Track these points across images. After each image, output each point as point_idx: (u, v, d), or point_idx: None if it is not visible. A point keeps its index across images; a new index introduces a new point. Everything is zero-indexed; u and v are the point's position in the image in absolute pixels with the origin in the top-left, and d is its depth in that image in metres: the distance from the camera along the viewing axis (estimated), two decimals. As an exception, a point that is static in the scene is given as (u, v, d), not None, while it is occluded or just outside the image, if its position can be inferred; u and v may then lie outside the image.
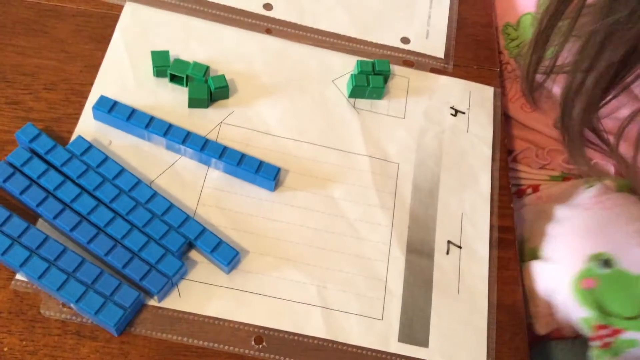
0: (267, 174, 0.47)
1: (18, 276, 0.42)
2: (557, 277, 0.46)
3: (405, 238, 0.48)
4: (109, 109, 0.48)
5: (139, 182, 0.46)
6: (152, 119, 0.48)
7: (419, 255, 0.48)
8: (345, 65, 0.55)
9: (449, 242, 0.49)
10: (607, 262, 0.43)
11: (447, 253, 0.48)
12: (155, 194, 0.45)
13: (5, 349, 0.40)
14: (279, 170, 0.48)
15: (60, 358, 0.40)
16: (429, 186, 0.51)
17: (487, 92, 0.57)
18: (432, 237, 0.49)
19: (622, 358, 0.43)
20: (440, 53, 0.58)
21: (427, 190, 0.51)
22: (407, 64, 0.57)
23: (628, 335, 0.43)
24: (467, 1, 0.62)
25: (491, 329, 0.46)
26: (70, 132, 0.48)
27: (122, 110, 0.48)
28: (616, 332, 0.43)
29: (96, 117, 0.49)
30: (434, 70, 0.57)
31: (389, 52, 0.57)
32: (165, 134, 0.48)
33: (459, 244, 0.49)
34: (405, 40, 0.58)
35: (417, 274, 0.47)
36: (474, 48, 0.59)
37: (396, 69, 0.56)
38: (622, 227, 0.44)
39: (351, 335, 0.44)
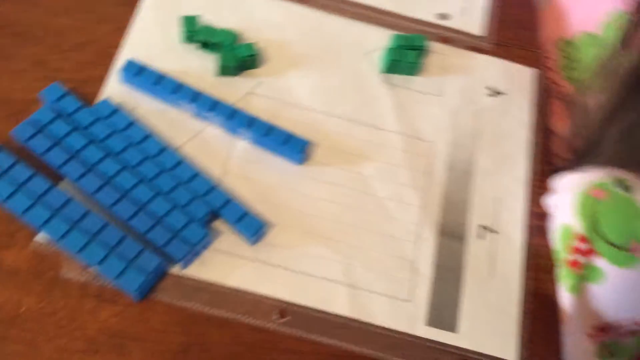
0: (295, 147, 0.46)
1: (39, 237, 0.41)
2: (577, 181, 0.45)
3: (436, 219, 0.46)
4: (137, 73, 0.47)
5: (165, 148, 0.44)
6: (179, 85, 0.47)
7: (450, 237, 0.46)
8: (381, 39, 0.54)
9: (482, 226, 0.47)
10: (626, 187, 0.43)
11: (480, 237, 0.46)
12: (181, 161, 0.44)
13: (23, 309, 0.39)
14: (307, 143, 0.46)
15: (79, 320, 0.39)
16: (464, 167, 0.49)
17: (528, 74, 0.54)
18: (464, 220, 0.47)
19: (581, 294, 0.42)
20: (479, 31, 0.56)
21: (462, 171, 0.49)
22: (444, 40, 0.55)
23: (599, 262, 0.42)
24: (508, -21, 0.60)
25: (524, 318, 0.44)
26: (96, 95, 0.47)
27: (149, 75, 0.47)
28: (590, 252, 0.42)
29: (123, 80, 0.47)
30: (471, 48, 0.55)
31: (425, 28, 0.55)
32: (192, 101, 0.46)
33: (493, 229, 0.47)
34: (442, 16, 0.56)
35: (448, 256, 0.45)
36: (514, 27, 0.57)
37: (432, 45, 0.54)
38: None
39: (377, 315, 0.42)
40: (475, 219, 0.47)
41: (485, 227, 0.47)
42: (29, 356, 0.38)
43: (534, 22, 0.58)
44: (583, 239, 0.43)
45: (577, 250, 0.43)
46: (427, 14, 0.56)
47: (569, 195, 0.44)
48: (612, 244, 0.42)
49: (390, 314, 0.43)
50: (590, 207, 0.43)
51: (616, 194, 0.43)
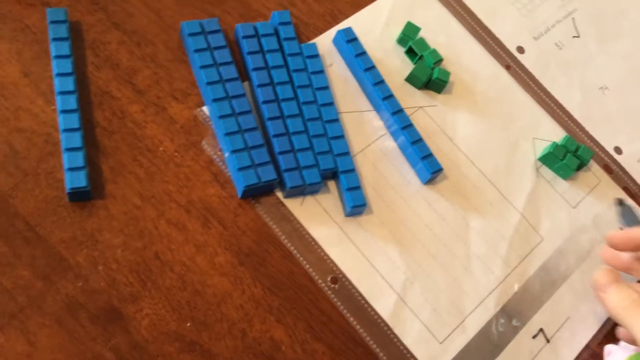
0: (429, 166, 0.50)
1: (203, 108, 0.49)
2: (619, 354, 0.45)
3: (505, 298, 0.48)
4: (348, 40, 0.53)
5: (331, 103, 0.50)
6: (373, 66, 0.53)
7: (508, 320, 0.47)
8: (553, 133, 0.56)
9: (542, 329, 0.48)
10: None
11: (534, 337, 0.47)
12: (336, 120, 0.50)
13: (161, 149, 0.47)
14: (441, 169, 0.50)
15: (192, 182, 0.46)
16: (557, 275, 0.50)
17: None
18: (529, 315, 0.48)
19: None
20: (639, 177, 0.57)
21: (553, 277, 0.50)
22: (607, 169, 0.57)
23: None
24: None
25: None
26: (308, 39, 0.55)
27: (357, 47, 0.53)
28: None
29: (335, 40, 0.55)
30: (626, 190, 0.56)
31: (597, 150, 0.57)
32: (375, 84, 0.52)
33: (549, 338, 0.48)
34: (618, 150, 0.58)
35: (496, 333, 0.47)
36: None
37: (594, 166, 0.56)
38: None
39: (408, 336, 0.45)
40: (539, 320, 0.48)
41: (543, 332, 0.48)
42: (143, 181, 0.45)
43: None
44: None
45: None
46: (605, 140, 0.58)
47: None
48: None
49: (420, 343, 0.45)
50: None
51: None
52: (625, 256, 0.48)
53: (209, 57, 0.49)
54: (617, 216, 0.53)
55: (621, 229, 0.53)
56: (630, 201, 0.55)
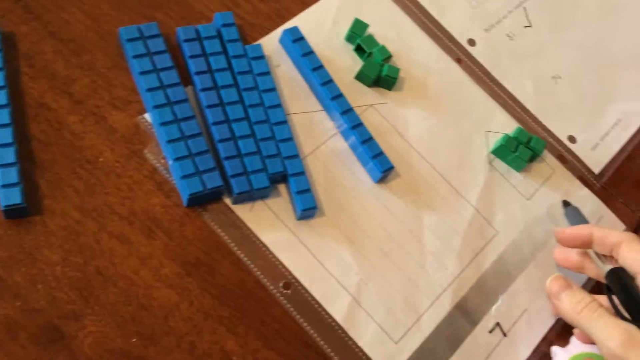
0: (380, 165, 0.49)
1: (145, 116, 0.47)
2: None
3: (460, 294, 0.48)
4: (295, 40, 0.52)
5: (279, 105, 0.49)
6: (321, 66, 0.52)
7: (464, 316, 0.47)
8: (506, 125, 0.56)
9: (498, 323, 0.47)
10: None
11: (490, 332, 0.47)
12: (285, 122, 0.49)
13: (101, 160, 0.45)
14: (392, 167, 0.50)
15: (134, 192, 0.45)
16: (512, 268, 0.50)
17: (617, 227, 0.55)
18: (485, 309, 0.48)
19: None
20: (597, 168, 0.57)
21: (508, 270, 0.50)
22: (561, 158, 0.56)
23: None
24: (651, 143, 0.60)
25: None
26: (254, 40, 0.53)
27: (304, 46, 0.52)
28: None
29: (281, 40, 0.54)
30: (581, 178, 0.56)
31: (550, 140, 0.57)
32: (323, 84, 0.51)
33: (505, 332, 0.47)
34: (572, 139, 0.58)
35: (452, 330, 0.46)
36: (629, 185, 0.57)
37: (548, 156, 0.56)
38: None
39: (363, 337, 0.44)
40: (496, 314, 0.48)
41: (500, 326, 0.47)
42: (82, 194, 0.43)
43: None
44: None
45: None
46: (559, 130, 0.58)
47: None
48: None
49: (375, 344, 0.44)
50: None
51: None
52: (575, 256, 0.48)
53: (149, 63, 0.47)
54: (564, 217, 0.52)
55: None
56: (583, 193, 0.55)
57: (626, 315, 0.42)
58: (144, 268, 0.42)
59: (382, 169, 0.49)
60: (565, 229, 0.48)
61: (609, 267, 0.45)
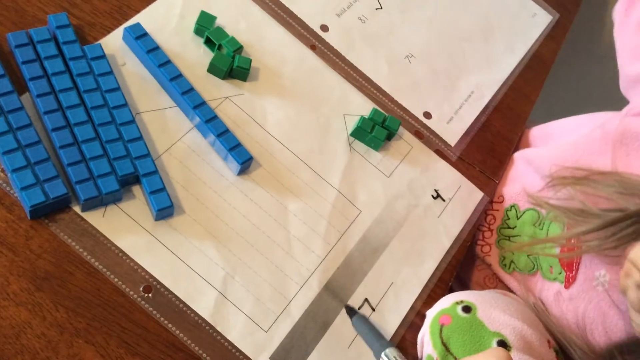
0: (239, 156, 0.49)
1: (-20, 128, 0.44)
2: (428, 317, 0.47)
3: (328, 275, 0.48)
4: (138, 37, 0.51)
5: (125, 104, 0.48)
6: (168, 61, 0.51)
7: (333, 296, 0.48)
8: (363, 107, 0.57)
9: (367, 299, 0.48)
10: (466, 308, 0.45)
11: (359, 308, 0.48)
12: (132, 121, 0.47)
13: None
14: (251, 158, 0.49)
15: (-31, 209, 0.42)
16: (376, 245, 0.51)
17: (475, 194, 0.57)
18: (353, 288, 0.49)
19: None
20: (452, 141, 0.59)
21: (373, 247, 0.51)
22: (418, 134, 0.58)
23: None
24: (502, 111, 0.64)
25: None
26: (96, 40, 0.51)
27: (148, 42, 0.51)
28: None
29: (124, 38, 0.52)
30: (438, 152, 0.58)
31: (407, 117, 0.59)
32: (172, 79, 0.50)
33: (374, 307, 0.48)
34: (427, 115, 0.60)
35: (321, 311, 0.47)
36: (485, 152, 0.60)
37: (405, 133, 0.58)
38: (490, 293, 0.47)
39: (232, 331, 0.44)
40: (363, 291, 0.49)
41: (368, 302, 0.48)
42: None
43: (505, 155, 0.61)
44: None
45: None
46: (414, 107, 0.60)
47: (425, 331, 0.46)
48: None
49: (244, 335, 0.44)
50: (439, 334, 0.45)
51: (458, 317, 0.44)
52: None
53: (-25, 71, 0.44)
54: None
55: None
56: (441, 165, 0.57)
57: None
58: (-15, 289, 0.40)
59: (241, 161, 0.49)
60: None
61: None
